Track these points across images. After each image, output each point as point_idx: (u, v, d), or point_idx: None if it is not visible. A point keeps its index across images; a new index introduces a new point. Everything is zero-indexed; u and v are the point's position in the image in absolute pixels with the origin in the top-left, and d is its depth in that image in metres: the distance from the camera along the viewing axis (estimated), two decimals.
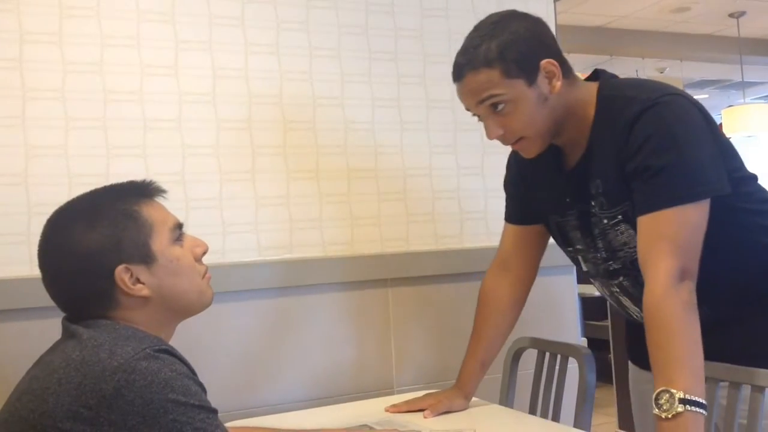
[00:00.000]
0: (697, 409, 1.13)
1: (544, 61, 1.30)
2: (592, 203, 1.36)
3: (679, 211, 1.22)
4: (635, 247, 1.31)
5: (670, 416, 1.12)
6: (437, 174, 2.00)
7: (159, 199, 1.15)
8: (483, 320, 1.62)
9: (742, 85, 7.58)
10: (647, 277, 1.23)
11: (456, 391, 1.60)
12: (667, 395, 1.14)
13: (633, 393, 1.58)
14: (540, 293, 2.01)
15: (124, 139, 1.66)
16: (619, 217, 1.33)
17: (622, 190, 1.30)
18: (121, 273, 1.05)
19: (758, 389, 1.23)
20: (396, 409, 1.58)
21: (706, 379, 1.28)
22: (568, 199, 1.42)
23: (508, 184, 1.62)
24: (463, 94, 1.34)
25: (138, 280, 1.07)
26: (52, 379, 0.96)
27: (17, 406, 0.99)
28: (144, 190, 1.13)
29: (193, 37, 1.74)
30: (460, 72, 1.32)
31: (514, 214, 1.60)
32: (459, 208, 2.02)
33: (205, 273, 1.17)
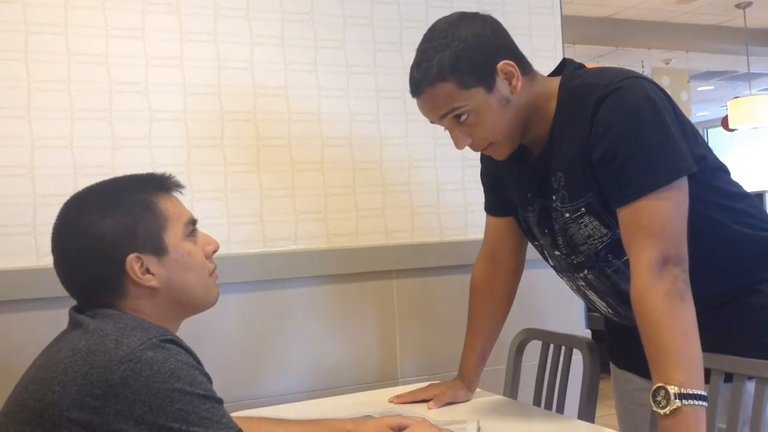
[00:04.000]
0: (696, 402, 1.12)
1: (500, 64, 1.25)
2: (554, 197, 1.34)
3: (655, 198, 1.19)
4: (599, 238, 1.30)
5: (668, 412, 1.11)
6: (442, 165, 2.00)
7: (175, 194, 1.15)
8: (478, 312, 1.61)
9: (749, 77, 7.54)
10: (631, 271, 1.21)
11: (459, 383, 1.60)
12: (663, 392, 1.13)
13: (615, 391, 1.57)
14: (544, 285, 2.02)
15: (130, 131, 1.67)
16: (582, 209, 1.29)
17: (586, 181, 1.27)
18: (132, 261, 1.06)
19: (764, 381, 1.22)
20: (400, 399, 1.59)
21: (711, 371, 1.28)
22: (529, 194, 1.40)
23: (483, 177, 1.61)
24: (424, 110, 1.32)
25: (148, 271, 1.07)
26: (59, 369, 0.97)
27: (24, 396, 0.99)
28: (163, 183, 1.14)
29: (198, 28, 1.74)
30: (417, 88, 1.29)
31: (492, 206, 1.59)
32: (464, 199, 2.02)
33: (213, 271, 1.17)
